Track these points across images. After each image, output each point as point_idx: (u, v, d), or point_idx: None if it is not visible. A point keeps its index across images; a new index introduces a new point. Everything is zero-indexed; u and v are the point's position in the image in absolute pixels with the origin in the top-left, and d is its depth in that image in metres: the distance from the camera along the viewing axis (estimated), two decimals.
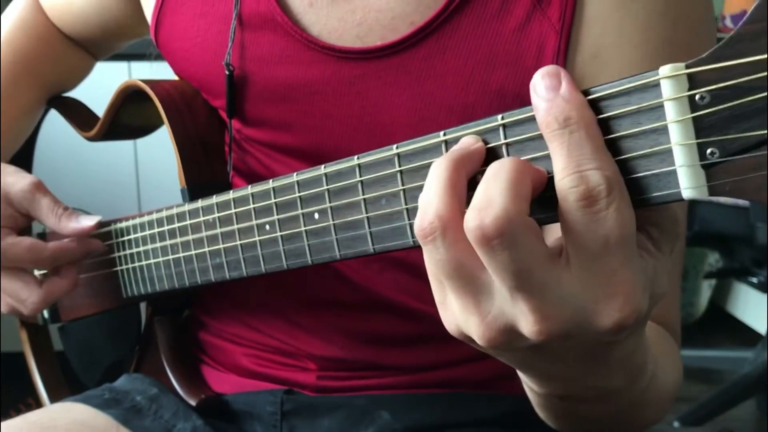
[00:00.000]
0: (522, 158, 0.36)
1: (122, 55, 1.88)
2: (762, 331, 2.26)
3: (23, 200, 0.69)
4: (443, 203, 0.35)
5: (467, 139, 0.38)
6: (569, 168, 0.32)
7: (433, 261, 0.36)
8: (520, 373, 0.44)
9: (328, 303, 0.67)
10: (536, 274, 0.33)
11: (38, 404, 0.87)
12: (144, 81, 0.69)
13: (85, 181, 1.96)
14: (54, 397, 0.88)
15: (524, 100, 0.56)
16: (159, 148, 1.89)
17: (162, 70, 0.77)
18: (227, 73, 0.63)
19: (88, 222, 0.69)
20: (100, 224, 0.70)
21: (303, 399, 0.68)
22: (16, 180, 0.70)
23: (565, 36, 0.55)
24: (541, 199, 0.35)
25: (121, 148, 1.99)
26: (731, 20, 2.04)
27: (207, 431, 0.66)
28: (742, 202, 1.75)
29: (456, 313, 0.37)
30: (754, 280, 2.04)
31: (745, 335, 2.40)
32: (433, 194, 0.35)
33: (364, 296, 0.65)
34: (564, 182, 0.33)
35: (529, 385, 0.45)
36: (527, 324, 0.34)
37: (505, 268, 0.33)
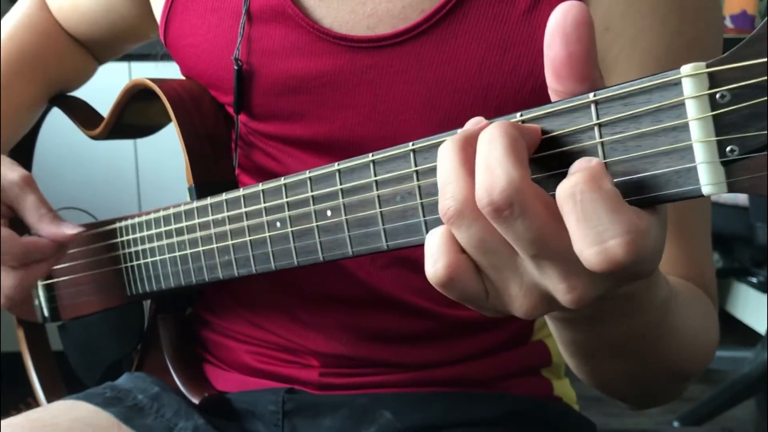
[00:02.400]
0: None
1: (123, 55, 1.87)
2: (762, 331, 2.26)
3: (10, 192, 0.69)
4: (456, 183, 0.35)
5: (471, 121, 0.38)
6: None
7: (463, 242, 0.36)
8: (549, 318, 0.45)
9: (331, 300, 0.67)
10: (553, 240, 0.34)
11: (38, 404, 0.87)
12: (152, 79, 0.69)
13: (85, 181, 1.96)
14: (51, 397, 0.88)
15: (539, 76, 0.56)
16: (159, 148, 1.89)
17: (167, 71, 0.77)
18: (236, 67, 0.63)
19: (67, 230, 0.68)
20: (79, 235, 0.69)
21: (305, 398, 0.68)
22: (7, 171, 0.69)
23: None
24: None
25: (121, 148, 1.99)
26: (731, 20, 2.04)
27: (208, 430, 0.66)
28: (741, 202, 1.75)
29: (497, 293, 0.37)
30: (754, 280, 2.05)
31: (745, 335, 2.40)
32: (446, 176, 0.36)
33: (368, 293, 0.65)
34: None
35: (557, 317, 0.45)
36: (558, 293, 0.35)
37: (522, 237, 0.34)
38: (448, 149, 0.36)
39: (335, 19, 0.60)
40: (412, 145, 0.42)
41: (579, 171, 0.33)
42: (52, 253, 0.69)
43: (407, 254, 0.64)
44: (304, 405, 0.67)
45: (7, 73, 0.81)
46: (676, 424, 1.84)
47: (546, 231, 0.34)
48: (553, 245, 0.34)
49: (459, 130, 0.39)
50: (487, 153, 0.34)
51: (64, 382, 0.91)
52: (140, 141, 1.55)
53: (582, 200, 0.32)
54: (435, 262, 0.37)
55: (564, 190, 0.33)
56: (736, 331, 2.46)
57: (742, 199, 1.74)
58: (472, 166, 0.35)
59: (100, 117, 0.84)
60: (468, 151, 0.36)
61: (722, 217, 1.79)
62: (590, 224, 0.32)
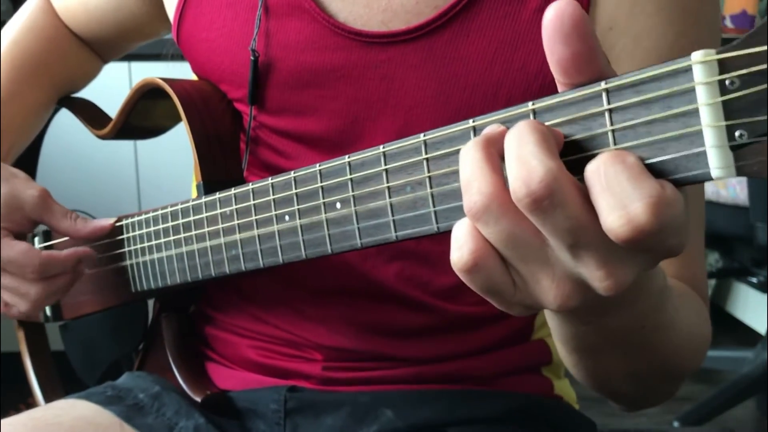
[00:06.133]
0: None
1: (123, 55, 1.87)
2: (762, 331, 2.26)
3: (36, 206, 0.71)
4: (482, 179, 0.36)
5: (490, 127, 0.38)
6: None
7: (490, 237, 0.36)
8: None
9: (335, 293, 0.67)
10: (591, 228, 0.34)
11: (37, 405, 0.87)
12: (162, 79, 0.69)
13: (85, 181, 1.96)
14: (49, 398, 0.87)
15: (548, 74, 0.57)
16: (159, 148, 1.89)
17: (172, 71, 0.76)
18: (252, 58, 0.63)
19: (102, 222, 0.71)
20: (114, 225, 0.72)
21: (306, 396, 0.68)
22: (26, 186, 0.71)
23: None
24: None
25: (121, 148, 1.99)
26: (731, 20, 2.05)
27: (209, 429, 0.66)
28: (741, 202, 1.75)
29: (526, 285, 0.37)
30: (754, 280, 2.05)
31: (745, 335, 2.40)
32: (470, 173, 0.36)
33: (372, 286, 0.66)
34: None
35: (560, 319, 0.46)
36: (595, 280, 0.35)
37: (560, 227, 0.34)
38: (470, 149, 0.37)
39: (350, 13, 0.61)
40: (423, 136, 0.42)
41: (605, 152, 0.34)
42: (71, 266, 0.71)
43: (412, 248, 0.64)
44: (305, 403, 0.67)
45: (13, 79, 0.82)
46: (676, 424, 1.84)
47: (583, 219, 0.34)
48: (590, 233, 0.34)
49: (470, 120, 0.40)
50: (519, 147, 0.34)
51: (62, 383, 0.91)
52: (140, 141, 1.55)
53: (605, 172, 0.33)
54: (460, 247, 0.37)
55: (590, 166, 0.34)
56: (736, 331, 2.47)
57: (742, 199, 1.75)
58: (496, 163, 0.36)
59: (107, 117, 0.84)
60: (490, 150, 0.36)
61: (722, 217, 1.79)
62: (613, 191, 0.33)
